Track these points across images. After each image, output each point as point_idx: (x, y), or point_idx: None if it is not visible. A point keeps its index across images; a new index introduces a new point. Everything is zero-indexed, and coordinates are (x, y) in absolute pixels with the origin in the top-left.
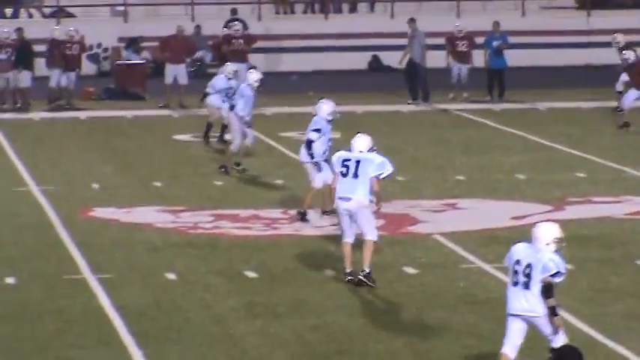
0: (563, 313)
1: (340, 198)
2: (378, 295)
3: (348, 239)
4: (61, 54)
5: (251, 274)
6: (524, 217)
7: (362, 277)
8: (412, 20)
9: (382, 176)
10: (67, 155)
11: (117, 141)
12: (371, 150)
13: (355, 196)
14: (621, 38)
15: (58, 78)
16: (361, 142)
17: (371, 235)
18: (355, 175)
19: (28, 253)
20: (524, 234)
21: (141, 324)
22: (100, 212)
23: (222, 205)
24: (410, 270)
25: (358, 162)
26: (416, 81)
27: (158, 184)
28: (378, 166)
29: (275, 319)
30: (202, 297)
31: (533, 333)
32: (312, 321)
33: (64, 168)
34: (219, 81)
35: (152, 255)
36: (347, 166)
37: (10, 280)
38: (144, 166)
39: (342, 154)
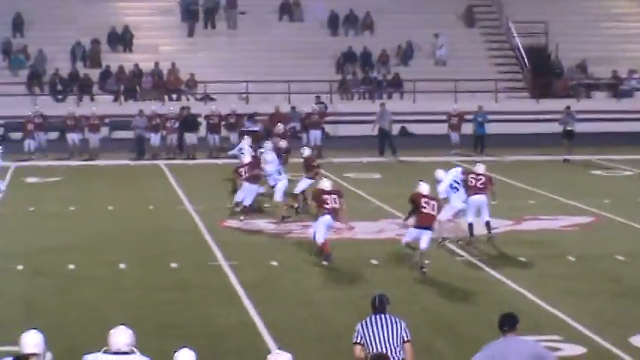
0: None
1: None
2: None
3: None
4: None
5: (324, 262)
6: (497, 227)
7: None
8: (382, 105)
9: None
10: (211, 187)
11: None
12: None
13: None
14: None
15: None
16: None
17: None
18: None
19: (185, 248)
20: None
21: (255, 292)
22: (230, 223)
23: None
24: None
25: None
26: (384, 142)
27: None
28: None
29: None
30: (294, 277)
31: None
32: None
33: (210, 195)
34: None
35: (261, 249)
36: None
37: (174, 265)
38: None
39: None
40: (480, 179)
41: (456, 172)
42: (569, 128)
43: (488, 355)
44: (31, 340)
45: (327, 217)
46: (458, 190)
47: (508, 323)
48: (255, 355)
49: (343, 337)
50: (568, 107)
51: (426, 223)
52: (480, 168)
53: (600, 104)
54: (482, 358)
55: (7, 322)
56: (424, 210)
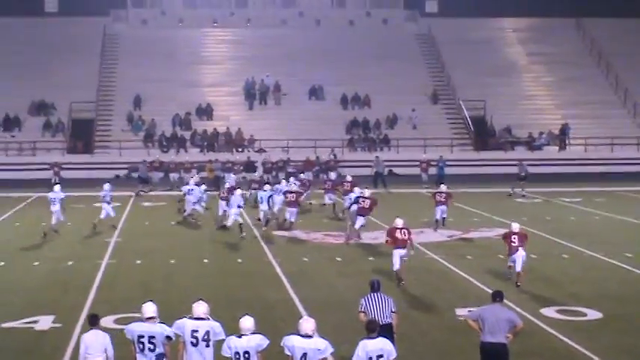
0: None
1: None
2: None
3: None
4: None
5: (339, 259)
6: (452, 236)
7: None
8: (377, 156)
9: None
10: None
11: None
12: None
13: None
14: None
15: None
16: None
17: None
18: None
19: (247, 248)
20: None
21: (293, 279)
22: (276, 232)
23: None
24: None
25: None
26: (377, 180)
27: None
28: None
29: (349, 278)
30: (319, 268)
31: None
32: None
33: None
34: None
35: (297, 249)
36: None
37: (240, 260)
38: None
39: None
40: (442, 195)
41: (360, 192)
42: (522, 174)
43: (477, 313)
44: (150, 308)
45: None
46: (358, 203)
47: (498, 296)
48: (292, 320)
49: (351, 309)
50: (521, 160)
51: (362, 212)
52: (443, 188)
53: (520, 155)
54: (472, 314)
55: (130, 299)
56: (361, 204)
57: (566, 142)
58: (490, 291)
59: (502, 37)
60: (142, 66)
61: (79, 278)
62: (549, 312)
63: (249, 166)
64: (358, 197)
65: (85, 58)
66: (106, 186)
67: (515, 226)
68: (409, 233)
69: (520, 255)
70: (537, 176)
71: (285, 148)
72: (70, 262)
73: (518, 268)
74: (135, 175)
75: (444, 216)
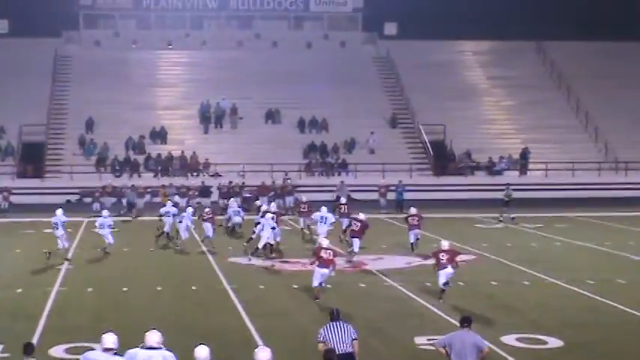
0: None
1: None
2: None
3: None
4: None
5: (295, 286)
6: (411, 262)
7: None
8: (342, 182)
9: None
10: (218, 235)
11: None
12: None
13: None
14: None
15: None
16: None
17: None
18: None
19: (201, 276)
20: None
21: (248, 306)
22: (231, 259)
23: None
24: None
25: None
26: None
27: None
28: None
29: (306, 305)
30: (275, 295)
31: None
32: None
33: (217, 240)
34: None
35: (252, 276)
36: None
37: (194, 288)
38: None
39: None
40: (415, 218)
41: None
42: (506, 199)
43: (445, 341)
44: (110, 339)
45: (207, 224)
46: (325, 222)
47: (466, 321)
48: (247, 349)
49: (308, 337)
50: (508, 184)
51: (354, 234)
52: (413, 211)
53: (480, 180)
54: (440, 341)
55: (81, 327)
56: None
57: (527, 166)
58: (449, 319)
59: (462, 60)
60: (94, 88)
61: (28, 306)
62: (509, 340)
63: (205, 191)
64: (351, 220)
65: (36, 80)
66: (105, 212)
67: (445, 244)
68: (334, 255)
69: (446, 272)
70: (497, 201)
71: (241, 173)
72: (19, 290)
73: (442, 282)
74: (87, 200)
75: (418, 237)
